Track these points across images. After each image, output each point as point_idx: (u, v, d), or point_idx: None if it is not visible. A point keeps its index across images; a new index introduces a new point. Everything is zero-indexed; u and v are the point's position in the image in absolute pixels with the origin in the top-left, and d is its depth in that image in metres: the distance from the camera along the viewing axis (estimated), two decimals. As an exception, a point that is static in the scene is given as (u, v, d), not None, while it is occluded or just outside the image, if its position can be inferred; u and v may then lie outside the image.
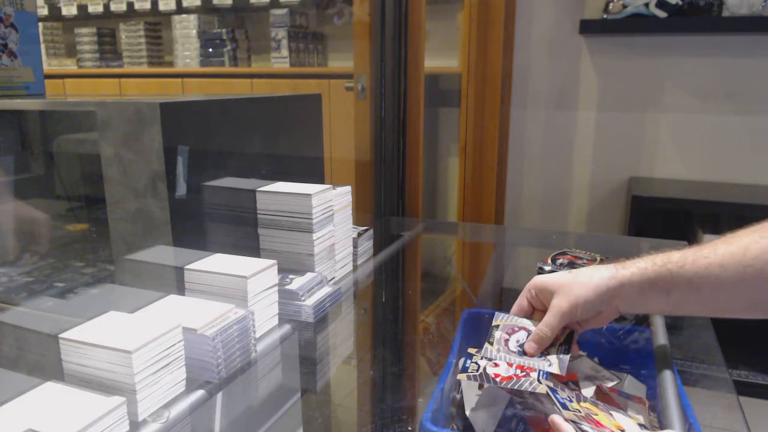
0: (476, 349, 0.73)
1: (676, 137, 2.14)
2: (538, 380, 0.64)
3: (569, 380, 0.71)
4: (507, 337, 0.73)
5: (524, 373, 0.66)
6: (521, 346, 0.71)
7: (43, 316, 0.82)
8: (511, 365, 0.68)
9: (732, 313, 0.65)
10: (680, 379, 0.69)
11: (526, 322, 0.75)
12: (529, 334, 0.72)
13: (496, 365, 0.68)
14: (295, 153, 1.21)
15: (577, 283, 0.69)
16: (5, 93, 1.16)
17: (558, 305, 0.70)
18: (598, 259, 1.11)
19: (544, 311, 0.72)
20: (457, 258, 1.62)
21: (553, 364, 0.68)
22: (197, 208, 0.94)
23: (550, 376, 0.67)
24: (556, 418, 0.56)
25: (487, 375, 0.66)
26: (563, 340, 0.71)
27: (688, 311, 0.68)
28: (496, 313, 0.77)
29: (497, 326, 0.75)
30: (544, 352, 0.70)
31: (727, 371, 0.84)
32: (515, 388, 0.64)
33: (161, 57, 3.30)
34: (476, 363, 0.69)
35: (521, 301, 0.77)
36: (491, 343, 0.72)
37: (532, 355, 0.69)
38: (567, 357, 0.69)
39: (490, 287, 1.28)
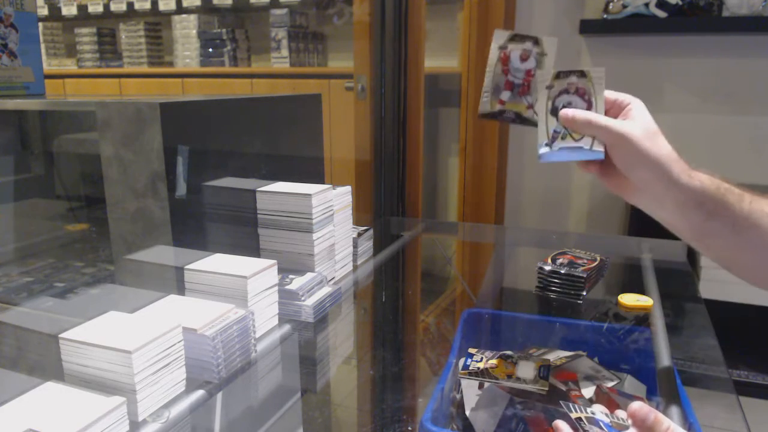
0: (477, 349, 0.73)
1: (676, 137, 2.13)
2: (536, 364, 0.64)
3: (569, 380, 0.71)
4: (558, 92, 0.66)
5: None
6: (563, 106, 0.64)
7: (43, 316, 0.82)
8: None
9: (756, 273, 0.61)
10: (680, 379, 0.69)
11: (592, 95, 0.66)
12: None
13: (493, 367, 0.68)
14: (295, 153, 1.21)
15: (664, 142, 0.64)
16: (5, 93, 1.16)
17: (636, 118, 0.63)
18: (599, 259, 1.11)
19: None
20: (457, 258, 1.62)
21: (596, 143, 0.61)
22: (197, 208, 0.94)
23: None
24: (560, 423, 0.56)
25: (487, 372, 0.66)
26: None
27: (717, 247, 0.63)
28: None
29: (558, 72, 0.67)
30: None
31: (727, 371, 0.84)
32: (518, 387, 0.64)
33: (161, 57, 3.30)
34: (476, 362, 0.69)
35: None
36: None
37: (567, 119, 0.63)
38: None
39: (490, 287, 1.28)
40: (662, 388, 0.67)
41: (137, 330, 0.63)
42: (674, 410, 0.63)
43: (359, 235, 1.15)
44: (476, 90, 2.06)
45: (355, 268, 1.13)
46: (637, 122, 0.63)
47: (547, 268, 1.07)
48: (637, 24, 2.05)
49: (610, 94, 0.67)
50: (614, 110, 0.66)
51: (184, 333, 0.66)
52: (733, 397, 0.76)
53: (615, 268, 1.19)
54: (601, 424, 0.56)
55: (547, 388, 0.63)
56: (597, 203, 2.30)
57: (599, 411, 0.59)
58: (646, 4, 2.00)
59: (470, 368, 0.68)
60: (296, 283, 0.91)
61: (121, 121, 0.85)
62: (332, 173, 1.62)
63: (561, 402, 0.61)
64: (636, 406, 0.51)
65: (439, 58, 2.43)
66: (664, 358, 0.74)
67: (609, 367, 0.77)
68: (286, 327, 0.88)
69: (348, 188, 1.08)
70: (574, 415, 0.57)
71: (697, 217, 0.61)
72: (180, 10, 3.04)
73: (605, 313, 0.99)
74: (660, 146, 0.63)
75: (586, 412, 0.58)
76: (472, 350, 0.74)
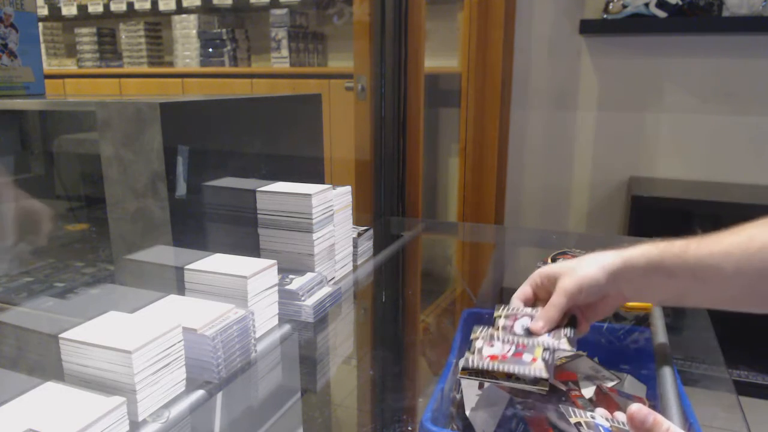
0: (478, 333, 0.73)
1: (676, 137, 2.14)
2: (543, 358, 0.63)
3: (569, 380, 0.71)
4: (511, 323, 0.71)
5: (519, 351, 0.65)
6: (527, 329, 0.70)
7: (43, 316, 0.82)
8: (511, 343, 0.67)
9: (736, 304, 0.64)
10: (680, 379, 0.69)
11: (529, 310, 0.73)
12: (533, 319, 0.71)
13: (492, 345, 0.67)
14: (295, 153, 1.21)
15: (583, 264, 0.69)
16: (5, 93, 1.16)
17: (564, 285, 0.69)
18: (598, 259, 1.11)
19: (547, 301, 0.71)
20: (457, 258, 1.62)
21: (563, 339, 0.66)
22: (197, 208, 0.94)
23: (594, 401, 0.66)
24: None
25: (485, 371, 0.65)
26: (566, 324, 0.70)
27: (692, 302, 0.68)
28: (497, 305, 0.75)
29: (500, 316, 0.73)
30: (549, 333, 0.68)
31: (727, 371, 0.84)
32: (518, 387, 0.63)
33: (161, 57, 3.30)
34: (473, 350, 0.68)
35: (525, 290, 0.75)
36: (494, 333, 0.71)
37: (539, 334, 0.68)
38: (574, 333, 0.67)
39: (490, 287, 1.28)
40: (662, 388, 0.67)
41: (137, 330, 0.63)
42: (674, 410, 0.63)
43: (359, 235, 1.15)
44: (476, 90, 2.07)
45: (355, 268, 1.13)
46: (565, 278, 0.69)
47: (547, 268, 1.07)
48: (637, 24, 2.05)
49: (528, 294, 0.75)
50: (550, 285, 0.73)
51: (184, 333, 0.66)
52: (733, 397, 0.76)
53: (615, 268, 1.18)
54: (601, 429, 0.56)
55: (547, 388, 0.63)
56: (597, 203, 2.30)
57: (600, 415, 0.59)
58: (646, 4, 2.00)
59: (470, 368, 0.68)
60: (296, 283, 0.91)
61: (121, 121, 0.85)
62: (332, 173, 1.62)
63: (561, 406, 0.60)
64: (635, 408, 0.51)
65: (439, 58, 2.43)
66: (664, 358, 0.74)
67: (609, 367, 0.77)
68: (286, 327, 0.88)
69: (348, 188, 1.08)
70: (573, 420, 0.57)
71: (665, 281, 0.66)
72: (180, 10, 3.04)
73: (605, 313, 0.98)
74: (587, 269, 0.68)
75: (587, 417, 0.58)
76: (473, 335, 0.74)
